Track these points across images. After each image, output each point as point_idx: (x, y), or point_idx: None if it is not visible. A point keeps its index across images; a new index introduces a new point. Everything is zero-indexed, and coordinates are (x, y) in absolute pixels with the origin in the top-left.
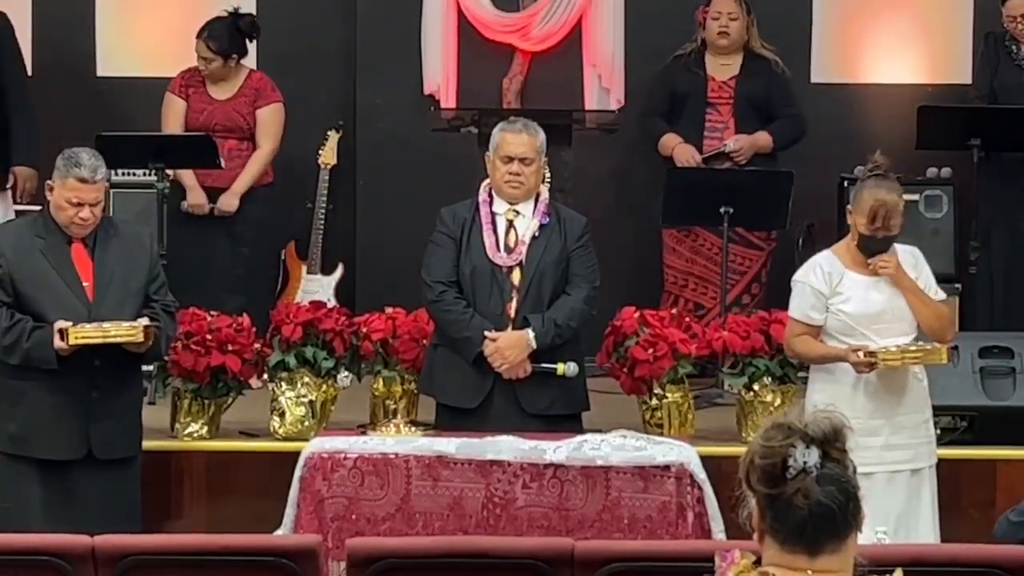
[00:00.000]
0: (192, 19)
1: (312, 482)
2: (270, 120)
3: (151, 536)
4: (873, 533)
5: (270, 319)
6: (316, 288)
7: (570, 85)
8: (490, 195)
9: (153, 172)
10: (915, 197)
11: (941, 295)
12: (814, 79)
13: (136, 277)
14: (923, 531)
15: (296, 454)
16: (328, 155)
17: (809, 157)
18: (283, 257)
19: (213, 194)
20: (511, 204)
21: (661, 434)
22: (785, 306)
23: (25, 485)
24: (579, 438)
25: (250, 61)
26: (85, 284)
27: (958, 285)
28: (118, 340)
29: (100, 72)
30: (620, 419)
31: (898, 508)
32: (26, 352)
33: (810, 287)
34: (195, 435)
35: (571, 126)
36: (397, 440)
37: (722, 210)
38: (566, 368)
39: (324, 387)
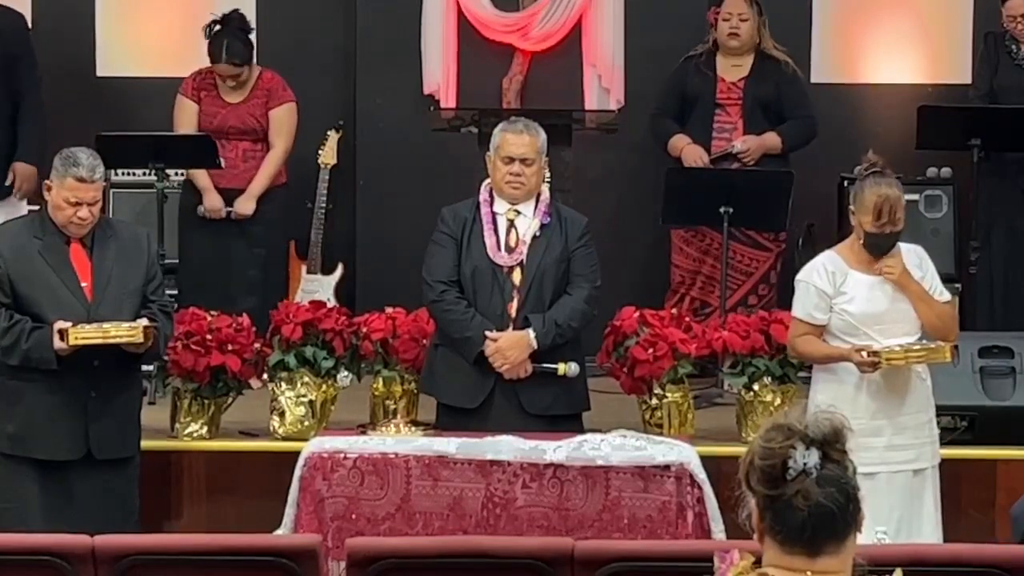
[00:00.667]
0: (192, 19)
1: (312, 482)
2: (283, 120)
3: (151, 536)
4: (873, 533)
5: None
6: (316, 288)
7: (570, 85)
8: (491, 195)
9: (153, 172)
10: (915, 197)
11: (946, 295)
12: (814, 79)
13: (134, 277)
14: (926, 532)
15: (296, 454)
16: (328, 155)
17: (809, 157)
18: None
19: (227, 195)
20: (512, 204)
21: (661, 434)
22: (781, 306)
23: (24, 485)
24: (579, 438)
25: None
26: (84, 284)
27: (958, 285)
28: (118, 340)
29: (100, 72)
30: (620, 419)
31: (900, 509)
32: (25, 353)
33: (814, 287)
34: (195, 435)
35: (571, 126)
36: (397, 440)
37: (722, 210)
38: (567, 368)
39: (324, 387)
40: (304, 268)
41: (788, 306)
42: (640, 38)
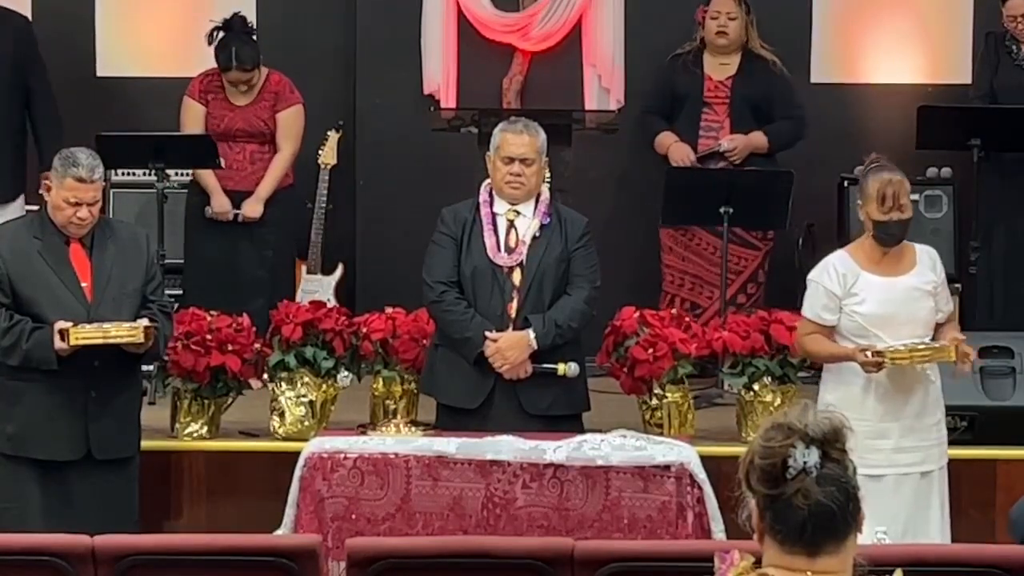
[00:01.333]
0: (192, 19)
1: (312, 482)
2: (290, 123)
3: (151, 536)
4: (873, 533)
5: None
6: (316, 288)
7: (570, 85)
8: (491, 195)
9: (153, 172)
10: (915, 197)
11: (951, 305)
12: (814, 79)
13: (133, 278)
14: (932, 534)
15: (296, 454)
16: (328, 155)
17: (809, 157)
18: None
19: (234, 197)
20: (512, 204)
21: (661, 434)
22: (783, 305)
23: (24, 485)
24: (579, 438)
25: None
26: (83, 284)
27: (958, 285)
28: (118, 341)
29: (100, 72)
30: (620, 419)
31: (907, 511)
32: (26, 353)
33: (823, 288)
34: (195, 435)
35: (571, 126)
36: (397, 440)
37: (722, 210)
38: (567, 368)
39: (324, 387)
40: (304, 268)
41: (776, 304)
42: (640, 38)
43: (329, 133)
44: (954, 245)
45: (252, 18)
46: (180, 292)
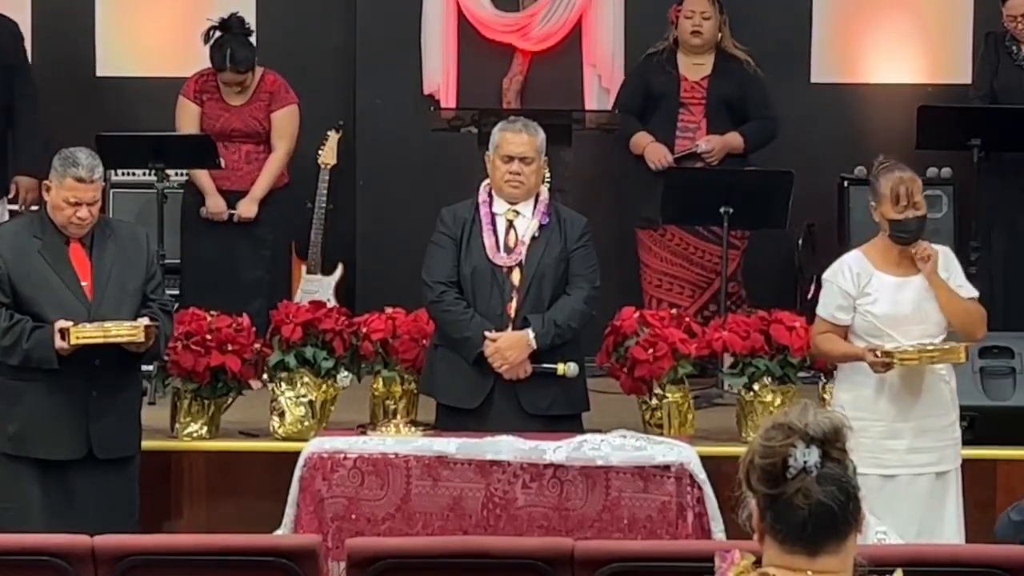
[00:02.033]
0: (192, 19)
1: (312, 482)
2: (286, 122)
3: (151, 536)
4: (873, 533)
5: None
6: (316, 288)
7: (570, 85)
8: (490, 195)
9: (153, 172)
10: None
11: (973, 292)
12: (814, 79)
13: (134, 277)
14: (948, 534)
15: (296, 454)
16: (328, 155)
17: (809, 157)
18: None
19: (230, 197)
20: (511, 204)
21: (661, 434)
22: (777, 304)
23: (25, 485)
24: (579, 438)
25: None
26: (84, 284)
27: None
28: (119, 340)
29: (100, 72)
30: (620, 419)
31: (921, 511)
32: (26, 352)
33: (837, 287)
34: (195, 435)
35: (571, 126)
36: (397, 440)
37: (722, 210)
38: (566, 368)
39: (324, 387)
40: (304, 268)
41: (770, 303)
42: (640, 38)
43: (329, 133)
44: (954, 245)
45: (252, 18)
46: (177, 292)
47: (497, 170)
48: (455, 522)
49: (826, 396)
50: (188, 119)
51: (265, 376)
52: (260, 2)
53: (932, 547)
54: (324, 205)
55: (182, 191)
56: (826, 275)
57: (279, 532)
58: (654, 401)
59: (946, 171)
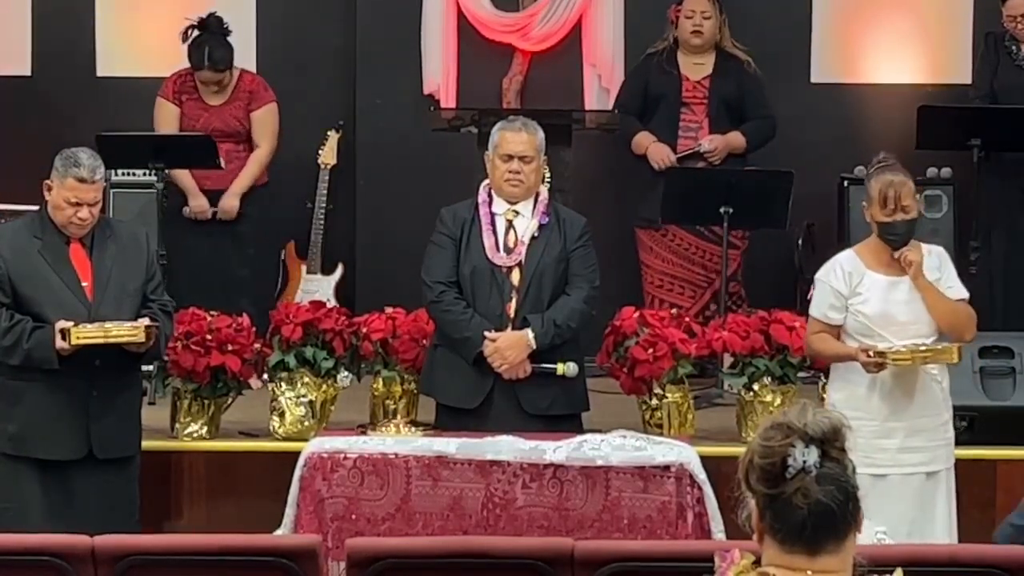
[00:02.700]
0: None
1: (312, 482)
2: (265, 121)
3: (151, 536)
4: (873, 533)
5: (268, 319)
6: (316, 288)
7: (570, 85)
8: (489, 195)
9: (153, 172)
10: None
11: (963, 293)
12: (814, 79)
13: (134, 277)
14: (938, 534)
15: (296, 454)
16: (328, 155)
17: (809, 157)
18: (283, 257)
19: (211, 196)
20: (511, 204)
21: (661, 434)
22: (777, 304)
23: (25, 485)
24: (579, 438)
25: (250, 61)
26: (84, 284)
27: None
28: (119, 340)
29: (100, 72)
30: (620, 419)
31: (912, 511)
32: (27, 353)
33: (829, 286)
34: (195, 435)
35: (571, 126)
36: (397, 440)
37: (722, 210)
38: (566, 368)
39: (324, 387)
40: (304, 268)
41: (769, 303)
42: (640, 38)
43: (329, 133)
44: (954, 245)
45: (252, 18)
46: None
47: (497, 169)
48: (455, 522)
49: (825, 396)
50: (167, 119)
51: (265, 376)
52: (260, 2)
53: (932, 547)
54: (324, 205)
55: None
56: (818, 275)
57: (279, 532)
58: (654, 401)
59: (946, 171)
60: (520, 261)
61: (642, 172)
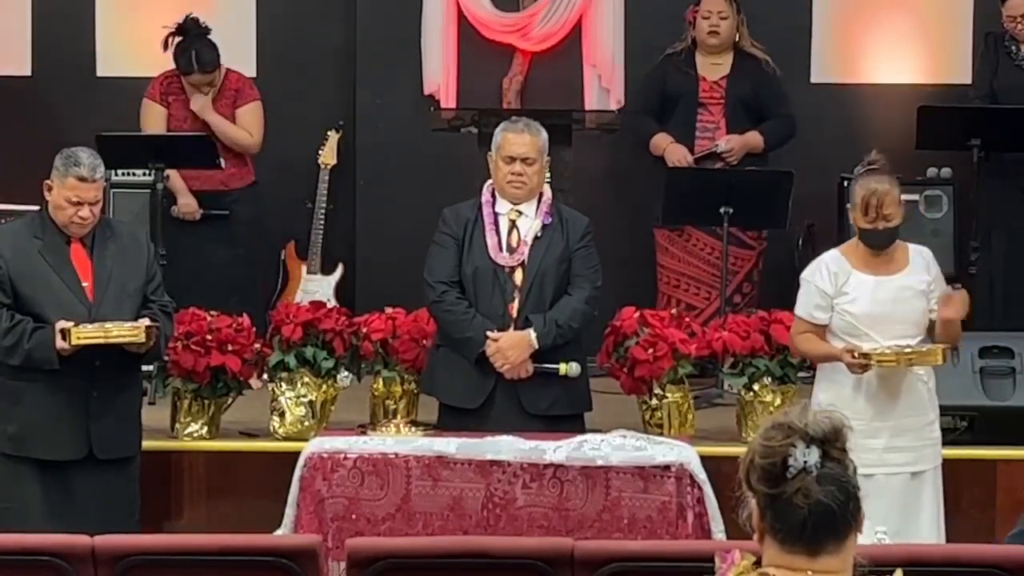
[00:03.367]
0: None
1: (312, 482)
2: (251, 117)
3: (151, 536)
4: (873, 533)
5: (268, 319)
6: (316, 288)
7: (570, 85)
8: (493, 195)
9: (153, 172)
10: (915, 197)
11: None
12: (814, 79)
13: (134, 278)
14: (924, 534)
15: (296, 454)
16: (328, 155)
17: (809, 157)
18: (283, 257)
19: (199, 196)
20: (514, 204)
21: (661, 434)
22: (778, 305)
23: (25, 485)
24: (579, 438)
25: (250, 61)
26: (84, 284)
27: (958, 285)
28: (120, 340)
29: (100, 72)
30: (620, 419)
31: (897, 510)
32: (27, 353)
33: (815, 286)
34: (195, 435)
35: (571, 126)
36: (397, 440)
37: (722, 210)
38: (568, 368)
39: (324, 387)
40: (304, 268)
41: (774, 304)
42: (640, 38)
43: (329, 133)
44: (954, 245)
45: (252, 18)
46: None
47: (499, 171)
48: (455, 522)
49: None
50: (154, 121)
51: (265, 376)
52: (260, 2)
53: (932, 547)
54: (324, 205)
55: (150, 191)
56: (804, 275)
57: (279, 532)
58: (654, 401)
59: (946, 171)
60: (523, 261)
61: (660, 173)
